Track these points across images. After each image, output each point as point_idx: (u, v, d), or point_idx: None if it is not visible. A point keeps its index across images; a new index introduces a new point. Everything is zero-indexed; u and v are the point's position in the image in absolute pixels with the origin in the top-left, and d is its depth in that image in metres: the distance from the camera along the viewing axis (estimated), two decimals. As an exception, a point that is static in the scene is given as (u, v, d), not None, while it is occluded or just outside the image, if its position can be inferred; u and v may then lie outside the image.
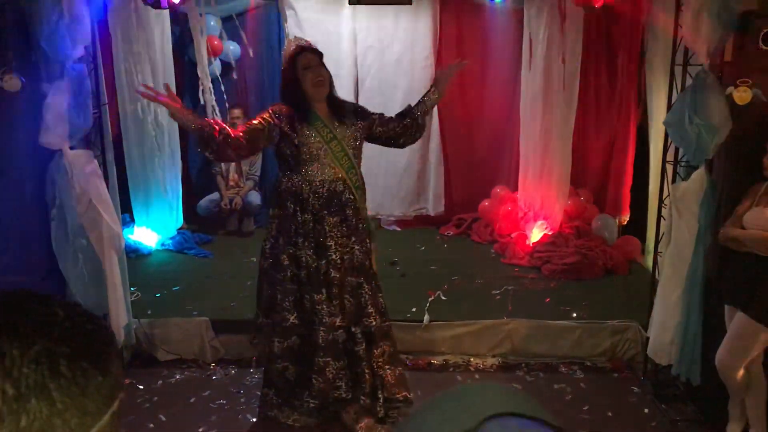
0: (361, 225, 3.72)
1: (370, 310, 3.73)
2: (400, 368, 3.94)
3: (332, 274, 3.63)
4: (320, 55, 3.66)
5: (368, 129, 3.77)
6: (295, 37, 3.70)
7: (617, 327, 4.73)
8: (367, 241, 3.77)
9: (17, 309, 0.79)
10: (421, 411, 0.74)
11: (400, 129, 3.82)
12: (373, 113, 3.82)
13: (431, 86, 3.91)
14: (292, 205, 3.62)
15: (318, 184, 3.60)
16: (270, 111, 3.62)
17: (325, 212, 3.61)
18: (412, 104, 3.87)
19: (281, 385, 3.83)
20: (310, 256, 3.63)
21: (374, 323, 3.74)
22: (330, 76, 3.67)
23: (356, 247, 3.69)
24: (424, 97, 3.87)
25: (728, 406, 3.78)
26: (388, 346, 3.85)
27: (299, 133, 3.56)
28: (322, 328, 3.65)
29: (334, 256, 3.62)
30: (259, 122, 3.55)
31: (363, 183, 3.78)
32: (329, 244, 3.62)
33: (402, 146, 3.96)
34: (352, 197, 3.66)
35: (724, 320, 3.71)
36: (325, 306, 3.65)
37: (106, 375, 0.79)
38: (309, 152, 3.57)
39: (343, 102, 3.82)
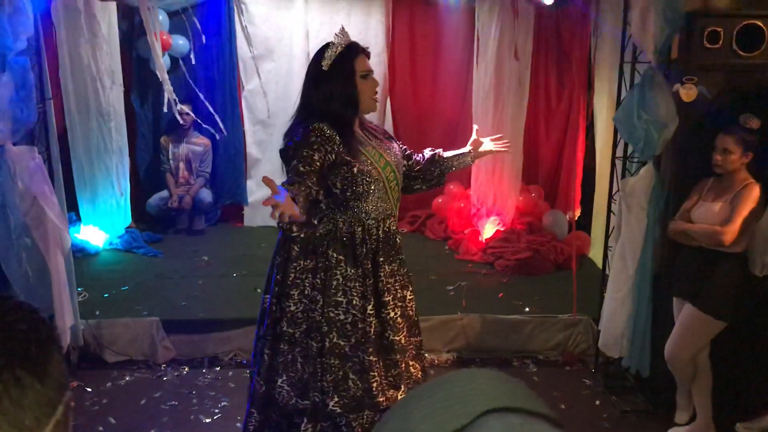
0: (408, 271, 3.06)
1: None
2: None
3: (391, 338, 2.90)
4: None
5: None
6: (343, 31, 2.83)
7: (569, 321, 4.80)
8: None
9: None
10: (408, 400, 0.67)
11: (421, 173, 3.13)
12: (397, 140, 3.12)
13: (469, 150, 3.25)
14: (335, 254, 2.82)
15: (372, 223, 2.86)
16: (314, 135, 2.65)
17: (381, 259, 2.88)
18: (443, 153, 3.17)
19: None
20: (356, 314, 2.84)
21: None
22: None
23: (410, 302, 3.02)
24: (457, 158, 3.19)
25: (676, 396, 3.87)
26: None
27: (358, 159, 2.76)
28: (380, 399, 2.89)
29: (392, 314, 2.90)
30: (315, 157, 2.62)
31: None
32: (386, 299, 2.89)
33: (412, 192, 3.23)
34: (400, 239, 2.99)
35: (673, 313, 3.80)
36: (382, 377, 2.91)
37: (44, 381, 0.69)
38: (366, 183, 2.78)
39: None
